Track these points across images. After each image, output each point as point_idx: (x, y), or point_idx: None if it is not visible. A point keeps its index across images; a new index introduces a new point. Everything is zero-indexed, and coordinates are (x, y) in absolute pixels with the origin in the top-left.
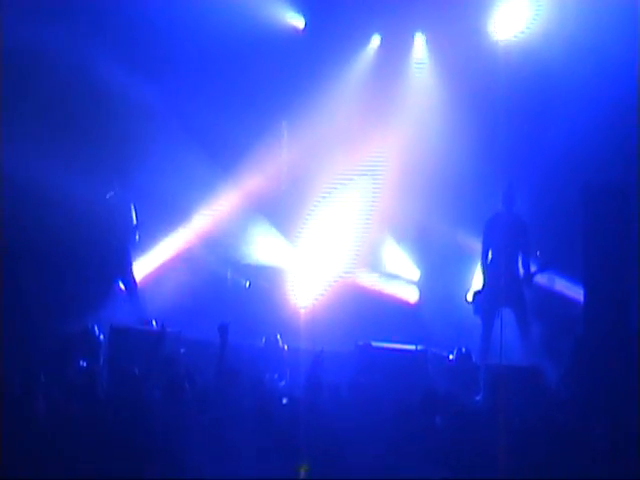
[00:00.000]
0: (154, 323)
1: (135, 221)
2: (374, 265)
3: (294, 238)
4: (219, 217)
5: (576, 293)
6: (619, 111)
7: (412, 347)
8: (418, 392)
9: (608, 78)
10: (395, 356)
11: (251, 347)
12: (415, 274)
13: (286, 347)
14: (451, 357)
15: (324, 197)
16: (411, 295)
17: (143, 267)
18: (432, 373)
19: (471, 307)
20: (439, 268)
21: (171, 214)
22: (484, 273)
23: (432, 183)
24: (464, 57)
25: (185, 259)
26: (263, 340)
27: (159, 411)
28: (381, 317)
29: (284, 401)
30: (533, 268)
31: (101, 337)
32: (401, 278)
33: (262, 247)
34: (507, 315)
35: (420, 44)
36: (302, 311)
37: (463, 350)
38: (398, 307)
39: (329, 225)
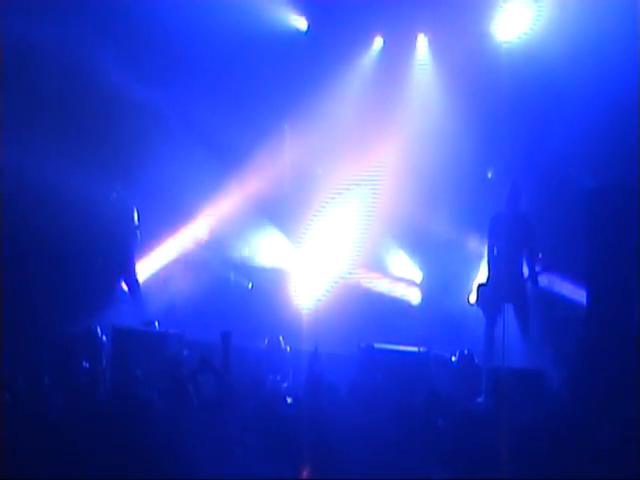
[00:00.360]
0: (157, 324)
1: (137, 222)
2: (376, 267)
3: (297, 240)
4: (222, 219)
5: (578, 295)
6: (620, 111)
7: (414, 349)
8: (420, 394)
9: (609, 79)
10: (397, 358)
11: (254, 348)
12: (417, 276)
13: (289, 348)
14: (453, 359)
15: (327, 199)
16: (413, 297)
17: (146, 268)
18: (434, 375)
19: (474, 308)
20: (441, 270)
21: (175, 215)
22: (489, 268)
23: (434, 184)
24: (466, 58)
25: (188, 260)
26: (266, 341)
27: (162, 412)
28: (383, 319)
29: (289, 400)
30: (537, 268)
31: (104, 338)
32: (403, 279)
33: (265, 249)
34: (508, 312)
35: (423, 46)
36: (304, 313)
37: (465, 352)
38: (400, 309)
39: (331, 226)
